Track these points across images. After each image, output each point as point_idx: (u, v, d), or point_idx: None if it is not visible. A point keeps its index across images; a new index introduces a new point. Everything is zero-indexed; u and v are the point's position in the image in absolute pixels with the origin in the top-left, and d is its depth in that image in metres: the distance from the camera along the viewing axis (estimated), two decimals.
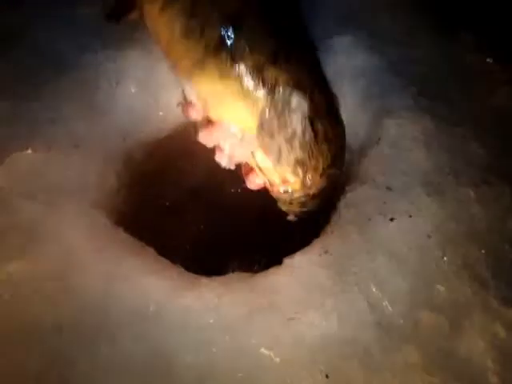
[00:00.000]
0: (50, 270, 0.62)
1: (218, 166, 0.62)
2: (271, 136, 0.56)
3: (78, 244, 0.64)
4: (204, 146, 0.61)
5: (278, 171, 0.59)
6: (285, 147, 0.57)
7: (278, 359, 0.58)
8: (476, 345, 0.59)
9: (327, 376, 0.57)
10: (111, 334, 0.59)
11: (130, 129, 0.76)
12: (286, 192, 0.61)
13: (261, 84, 0.55)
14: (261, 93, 0.55)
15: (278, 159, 0.58)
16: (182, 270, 0.65)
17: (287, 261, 0.64)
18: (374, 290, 0.61)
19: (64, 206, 0.66)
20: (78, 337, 0.59)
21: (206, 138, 0.60)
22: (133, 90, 0.77)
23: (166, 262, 0.66)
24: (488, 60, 0.82)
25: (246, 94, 0.55)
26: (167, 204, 0.80)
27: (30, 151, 0.69)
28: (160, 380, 0.57)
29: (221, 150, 0.61)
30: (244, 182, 0.65)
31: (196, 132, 0.61)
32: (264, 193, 0.65)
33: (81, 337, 0.59)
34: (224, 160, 0.61)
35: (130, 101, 0.77)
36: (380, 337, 0.59)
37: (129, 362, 0.58)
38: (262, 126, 0.56)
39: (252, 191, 0.65)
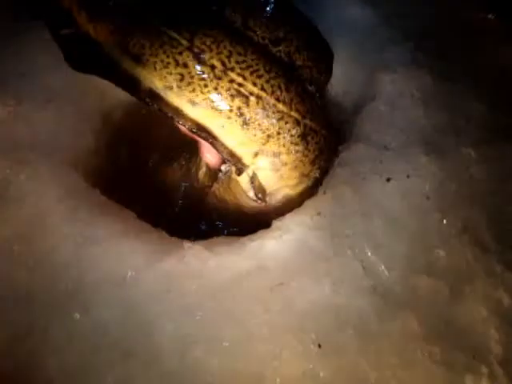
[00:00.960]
0: (20, 233, 0.59)
1: None
2: None
3: (50, 205, 0.60)
4: None
5: None
6: None
7: (266, 327, 0.55)
8: (478, 312, 0.57)
9: (319, 345, 0.54)
10: (85, 300, 0.56)
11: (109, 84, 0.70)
12: None
13: None
14: None
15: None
16: (163, 233, 0.61)
17: (277, 223, 0.60)
18: (369, 253, 0.58)
19: (35, 164, 0.62)
20: (50, 304, 0.55)
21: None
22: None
23: (145, 225, 0.62)
24: (489, 16, 0.78)
25: None
26: (149, 165, 0.75)
27: None
28: (139, 349, 0.53)
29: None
30: None
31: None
32: None
33: (53, 304, 0.55)
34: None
35: None
36: (376, 303, 0.56)
37: (105, 331, 0.54)
38: None
39: None
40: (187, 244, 0.59)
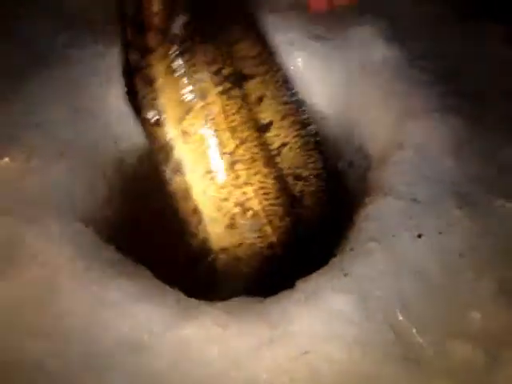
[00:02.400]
0: (30, 296, 0.57)
1: None
2: None
3: (62, 265, 0.59)
4: None
5: None
6: None
7: None
8: None
9: None
10: (98, 368, 0.54)
11: (122, 132, 0.72)
12: None
13: None
14: None
15: None
16: (180, 294, 0.59)
17: (300, 284, 0.58)
18: (400, 317, 0.56)
19: (46, 222, 0.61)
20: (61, 373, 0.54)
21: None
22: (123, 90, 0.70)
23: (161, 285, 0.60)
24: None
25: None
26: (165, 213, 0.73)
27: (6, 160, 0.64)
28: None
29: None
30: None
31: None
32: None
33: (64, 373, 0.54)
34: None
35: (121, 101, 0.70)
36: (408, 371, 0.54)
37: None
38: None
39: None
40: (206, 307, 0.57)
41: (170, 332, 0.56)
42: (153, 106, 0.60)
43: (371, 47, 0.75)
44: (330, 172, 0.77)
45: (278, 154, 0.66)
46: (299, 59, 0.77)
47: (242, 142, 0.63)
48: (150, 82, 0.59)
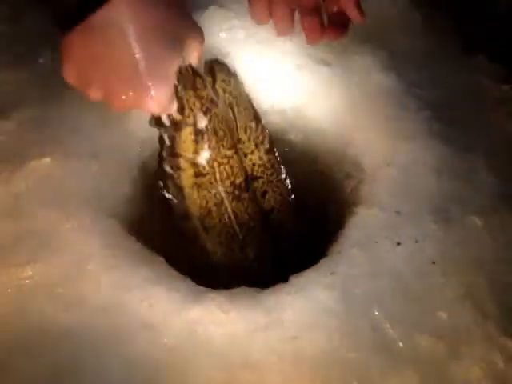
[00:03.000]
0: (63, 276, 0.64)
1: None
2: None
3: (91, 252, 0.66)
4: None
5: None
6: None
7: (279, 376, 0.59)
8: (474, 373, 0.60)
9: None
10: (118, 341, 0.61)
11: (146, 138, 0.78)
12: None
13: None
14: None
15: None
16: (191, 282, 0.67)
17: (293, 279, 0.65)
18: (376, 312, 0.62)
19: (79, 214, 0.68)
20: (87, 342, 0.61)
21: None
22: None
23: (175, 272, 0.68)
24: (504, 87, 0.83)
25: None
26: None
27: (48, 159, 0.71)
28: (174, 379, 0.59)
29: None
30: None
31: None
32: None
33: (89, 342, 0.61)
34: None
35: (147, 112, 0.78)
36: (380, 359, 0.60)
37: (136, 367, 0.60)
38: None
39: None
40: (211, 295, 0.64)
41: (180, 313, 0.62)
42: (181, 206, 0.73)
43: (370, 74, 0.81)
44: (329, 182, 0.85)
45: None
46: (306, 81, 0.84)
47: (250, 232, 0.76)
48: (179, 189, 0.71)
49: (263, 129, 0.77)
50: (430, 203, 0.70)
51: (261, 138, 0.76)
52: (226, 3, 0.85)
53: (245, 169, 0.75)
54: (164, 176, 0.72)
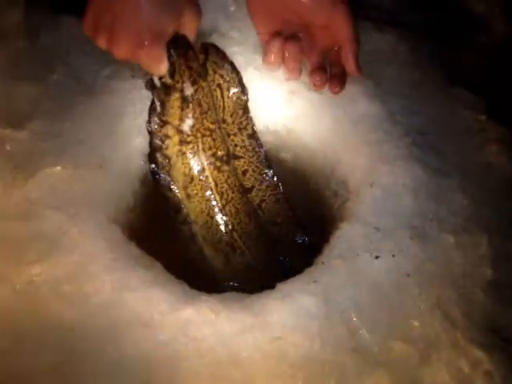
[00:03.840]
0: (69, 275, 0.69)
1: None
2: None
3: (95, 254, 0.71)
4: None
5: None
6: None
7: (263, 373, 0.64)
8: (441, 377, 0.64)
9: None
10: (117, 336, 0.66)
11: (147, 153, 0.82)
12: None
13: None
14: None
15: None
16: (185, 285, 0.71)
17: (280, 286, 0.70)
18: (354, 318, 0.67)
19: (86, 219, 0.73)
20: (88, 337, 0.66)
21: None
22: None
23: (170, 277, 0.72)
24: (481, 117, 0.87)
25: None
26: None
27: (59, 168, 0.76)
28: (159, 378, 0.64)
29: None
30: None
31: None
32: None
33: (90, 337, 0.66)
34: None
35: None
36: (356, 361, 0.64)
37: (131, 362, 0.64)
38: None
39: None
40: (204, 297, 0.69)
41: (174, 313, 0.66)
42: (168, 175, 0.79)
43: (356, 102, 0.85)
44: (318, 199, 0.89)
45: (260, 208, 0.84)
46: (298, 106, 0.89)
47: (229, 201, 0.81)
48: (167, 158, 0.78)
49: (249, 118, 0.84)
50: (407, 221, 0.74)
51: (244, 123, 0.83)
52: (227, 32, 0.90)
53: (227, 146, 0.82)
54: (154, 150, 0.79)
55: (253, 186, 0.84)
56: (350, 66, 0.82)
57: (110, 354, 0.65)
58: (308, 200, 0.90)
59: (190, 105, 0.78)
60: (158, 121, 0.77)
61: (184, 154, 0.79)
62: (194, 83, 0.77)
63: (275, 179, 0.85)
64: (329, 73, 0.83)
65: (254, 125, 0.84)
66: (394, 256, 0.71)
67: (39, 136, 0.79)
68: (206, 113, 0.79)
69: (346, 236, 0.75)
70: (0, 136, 0.78)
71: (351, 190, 0.82)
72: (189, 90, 0.77)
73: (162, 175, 0.79)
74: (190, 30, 0.76)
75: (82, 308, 0.67)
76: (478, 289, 0.70)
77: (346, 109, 0.86)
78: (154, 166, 0.79)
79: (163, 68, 0.75)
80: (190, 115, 0.78)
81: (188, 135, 0.79)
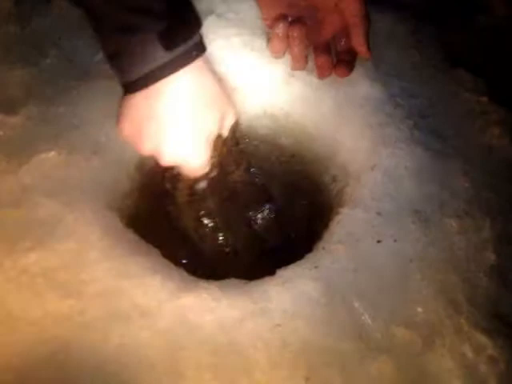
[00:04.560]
0: (64, 263, 0.68)
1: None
2: None
3: (91, 241, 0.70)
4: None
5: None
6: None
7: (264, 360, 0.63)
8: (445, 363, 0.64)
9: (307, 379, 0.62)
10: (115, 325, 0.65)
11: None
12: None
13: None
14: None
15: None
16: (184, 272, 0.71)
17: (280, 272, 0.69)
18: (356, 304, 0.66)
19: (81, 206, 0.72)
20: (85, 326, 0.65)
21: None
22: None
23: (168, 263, 0.72)
24: (482, 99, 0.86)
25: None
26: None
27: (53, 153, 0.75)
28: (161, 363, 0.63)
29: None
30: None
31: None
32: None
33: (87, 326, 0.65)
34: None
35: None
36: (358, 347, 0.64)
37: (134, 350, 0.63)
38: None
39: None
40: (203, 284, 0.68)
41: (174, 301, 0.66)
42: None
43: (357, 84, 0.84)
44: (316, 185, 0.89)
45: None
46: (297, 89, 0.87)
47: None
48: (175, 200, 0.79)
49: (242, 152, 0.84)
50: (409, 205, 0.74)
51: (239, 159, 0.83)
52: (223, 13, 0.89)
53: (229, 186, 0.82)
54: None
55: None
56: (360, 45, 0.80)
57: (108, 343, 0.64)
58: (307, 186, 0.90)
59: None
60: (168, 182, 0.79)
61: (188, 205, 0.80)
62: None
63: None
64: (335, 57, 0.82)
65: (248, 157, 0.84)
66: (395, 241, 0.71)
67: (33, 121, 0.78)
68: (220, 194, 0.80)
69: (346, 221, 0.74)
70: None
71: (351, 175, 0.81)
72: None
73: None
74: (227, 131, 0.76)
75: (79, 297, 0.66)
76: (482, 273, 0.70)
77: (346, 91, 0.85)
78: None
79: (202, 173, 0.76)
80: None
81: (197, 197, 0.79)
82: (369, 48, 0.80)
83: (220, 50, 0.87)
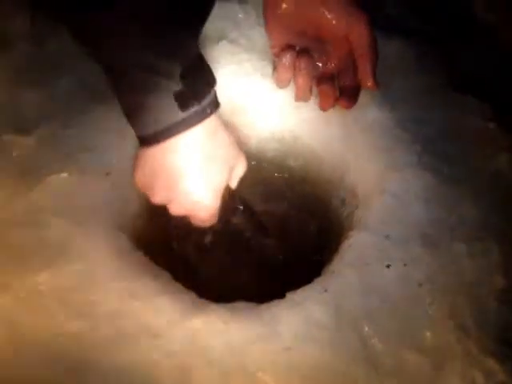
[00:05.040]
0: (74, 284, 0.68)
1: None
2: None
3: (101, 262, 0.70)
4: None
5: None
6: None
7: None
8: None
9: None
10: (124, 346, 0.65)
11: None
12: None
13: None
14: None
15: None
16: (194, 294, 0.71)
17: (290, 295, 0.69)
18: (366, 328, 0.66)
19: (92, 227, 0.72)
20: (94, 347, 0.65)
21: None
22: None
23: (179, 286, 0.72)
24: (491, 125, 0.86)
25: None
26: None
27: (66, 174, 0.75)
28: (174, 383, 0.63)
29: None
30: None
31: None
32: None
33: (97, 347, 0.65)
34: None
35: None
36: (368, 372, 0.64)
37: (139, 372, 0.63)
38: None
39: None
40: (213, 306, 0.68)
41: (183, 323, 0.66)
42: None
43: (365, 109, 0.84)
44: (325, 208, 0.90)
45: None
46: (306, 112, 0.88)
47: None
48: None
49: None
50: (418, 229, 0.74)
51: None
52: (235, 39, 0.90)
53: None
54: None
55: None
56: (367, 78, 0.79)
57: (117, 365, 0.64)
58: (317, 209, 0.90)
59: None
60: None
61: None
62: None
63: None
64: (339, 88, 0.82)
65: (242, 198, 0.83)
66: (405, 265, 0.71)
67: (46, 142, 0.78)
68: None
69: (355, 245, 0.74)
70: (6, 142, 0.78)
71: (360, 198, 0.81)
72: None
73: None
74: (236, 181, 0.77)
75: (89, 317, 0.66)
76: (491, 298, 0.70)
77: (355, 115, 0.85)
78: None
79: (211, 223, 0.77)
80: None
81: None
82: (376, 81, 0.79)
83: (231, 74, 0.88)
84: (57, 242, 0.70)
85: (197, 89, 0.67)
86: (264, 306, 0.69)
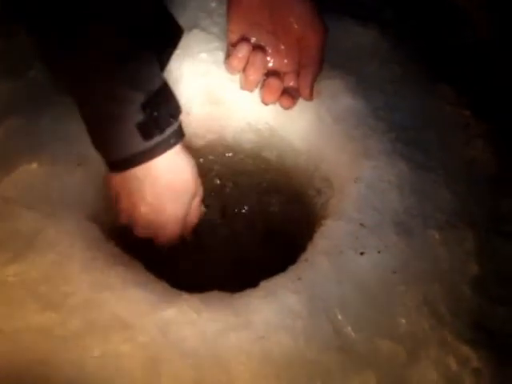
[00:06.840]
0: (44, 276, 0.67)
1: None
2: None
3: (72, 253, 0.69)
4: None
5: None
6: None
7: (247, 373, 0.62)
8: (430, 375, 0.64)
9: None
10: (95, 338, 0.64)
11: None
12: None
13: None
14: None
15: None
16: (166, 284, 0.70)
17: (263, 284, 0.69)
18: (339, 317, 0.66)
19: (62, 218, 0.71)
20: (65, 338, 0.64)
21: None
22: None
23: (151, 275, 0.71)
24: (465, 113, 0.87)
25: None
26: None
27: (35, 165, 0.74)
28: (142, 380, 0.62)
29: None
30: None
31: None
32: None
33: (68, 338, 0.64)
34: None
35: None
36: (342, 360, 0.64)
37: (111, 364, 0.63)
38: None
39: None
40: (185, 296, 0.68)
41: (155, 313, 0.65)
42: None
43: (339, 98, 0.84)
44: (301, 197, 0.89)
45: None
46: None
47: None
48: None
49: None
50: (392, 217, 0.74)
51: None
52: (207, 27, 0.89)
53: None
54: None
55: None
56: (305, 87, 0.81)
57: (88, 355, 0.63)
58: (292, 198, 0.90)
59: None
60: None
61: None
62: None
63: None
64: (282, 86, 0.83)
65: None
66: (379, 252, 0.71)
67: (15, 134, 0.77)
68: None
69: (329, 233, 0.74)
70: None
71: (335, 187, 0.81)
72: None
73: None
74: (195, 209, 0.81)
75: (59, 309, 0.65)
76: (465, 285, 0.70)
77: (328, 105, 0.84)
78: None
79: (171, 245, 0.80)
80: None
81: None
82: (311, 93, 0.81)
83: (204, 63, 0.87)
84: (27, 233, 0.70)
85: (160, 119, 0.68)
86: (237, 295, 0.68)
